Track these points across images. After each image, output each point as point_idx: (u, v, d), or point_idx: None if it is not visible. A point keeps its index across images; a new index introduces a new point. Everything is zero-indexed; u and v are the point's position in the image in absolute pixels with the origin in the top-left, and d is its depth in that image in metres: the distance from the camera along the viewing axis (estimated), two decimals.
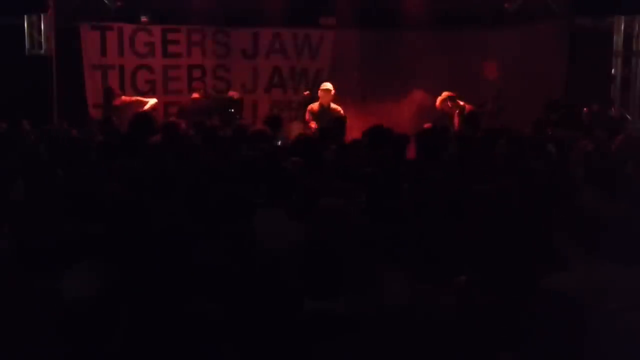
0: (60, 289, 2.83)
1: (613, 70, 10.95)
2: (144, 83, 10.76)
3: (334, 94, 9.16)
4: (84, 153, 5.74)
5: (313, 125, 8.67)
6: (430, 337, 2.61)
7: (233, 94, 10.21)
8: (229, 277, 2.91)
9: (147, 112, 8.27)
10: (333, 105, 9.06)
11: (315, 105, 9.11)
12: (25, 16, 10.20)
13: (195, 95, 9.96)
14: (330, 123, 7.78)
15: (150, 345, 2.54)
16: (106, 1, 10.52)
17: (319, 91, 9.20)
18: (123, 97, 9.41)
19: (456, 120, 8.96)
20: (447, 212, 3.90)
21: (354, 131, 7.99)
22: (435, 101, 9.58)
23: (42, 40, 10.30)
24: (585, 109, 9.35)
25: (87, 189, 4.11)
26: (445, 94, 9.18)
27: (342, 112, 8.86)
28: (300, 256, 2.90)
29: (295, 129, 9.26)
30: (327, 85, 9.24)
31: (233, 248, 3.19)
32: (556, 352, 2.75)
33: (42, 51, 10.30)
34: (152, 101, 9.48)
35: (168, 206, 3.89)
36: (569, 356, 2.72)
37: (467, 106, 9.11)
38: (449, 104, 9.13)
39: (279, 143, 7.22)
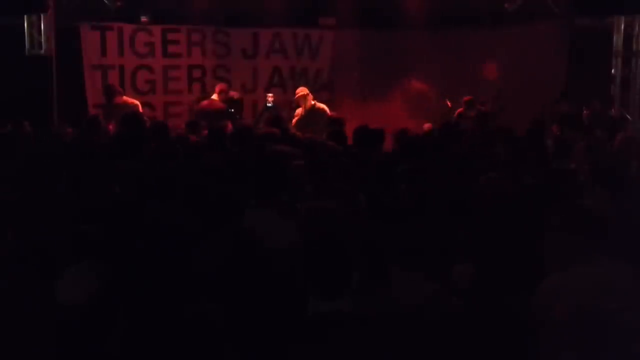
0: (58, 290, 2.83)
1: (613, 70, 10.95)
2: (144, 83, 10.75)
3: (327, 93, 9.22)
4: (84, 154, 5.74)
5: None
6: (437, 337, 2.61)
7: (233, 94, 10.21)
8: (230, 278, 2.91)
9: (135, 113, 8.19)
10: (318, 105, 9.12)
11: (299, 111, 9.18)
12: (25, 16, 10.19)
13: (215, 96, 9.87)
14: (329, 126, 7.75)
15: (149, 346, 2.53)
16: (106, 1, 10.52)
17: (298, 98, 9.22)
18: (124, 97, 9.37)
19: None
20: (449, 211, 3.90)
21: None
22: (435, 100, 9.62)
23: (42, 40, 10.29)
24: (585, 111, 9.36)
25: (87, 190, 4.11)
26: None
27: (327, 110, 8.94)
28: (300, 256, 2.90)
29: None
30: (301, 90, 9.31)
31: (233, 248, 3.19)
32: (556, 351, 2.75)
33: (42, 51, 10.29)
34: None
35: (168, 207, 3.89)
36: (569, 356, 2.72)
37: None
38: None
39: None
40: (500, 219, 3.75)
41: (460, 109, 9.51)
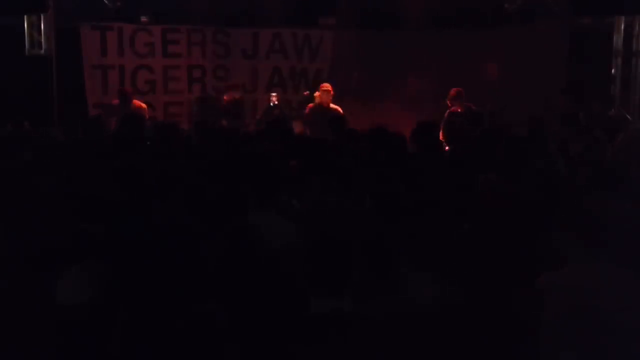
0: (59, 290, 2.83)
1: (613, 70, 10.94)
2: (144, 83, 10.75)
3: (333, 94, 9.24)
4: (84, 153, 5.74)
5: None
6: (438, 336, 2.61)
7: (233, 94, 10.23)
8: (232, 277, 2.90)
9: (134, 113, 8.20)
10: (332, 106, 9.12)
11: (313, 105, 9.18)
12: (25, 16, 10.19)
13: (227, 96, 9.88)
14: (330, 122, 7.78)
15: (150, 346, 2.53)
16: (106, 1, 10.52)
17: (320, 91, 9.24)
18: (135, 101, 9.36)
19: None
20: (449, 211, 3.90)
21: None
22: (435, 100, 9.60)
23: (42, 40, 10.27)
24: (579, 112, 9.35)
25: (87, 189, 4.11)
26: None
27: (341, 112, 8.92)
28: (300, 256, 2.90)
29: (296, 128, 9.30)
30: (327, 86, 9.31)
31: (235, 247, 3.19)
32: (556, 351, 2.75)
33: (42, 51, 10.28)
34: None
35: (169, 206, 3.89)
36: (569, 355, 2.73)
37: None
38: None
39: None
40: (500, 219, 3.75)
41: (452, 108, 9.40)
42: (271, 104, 9.91)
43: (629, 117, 10.56)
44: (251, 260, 3.11)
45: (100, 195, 3.89)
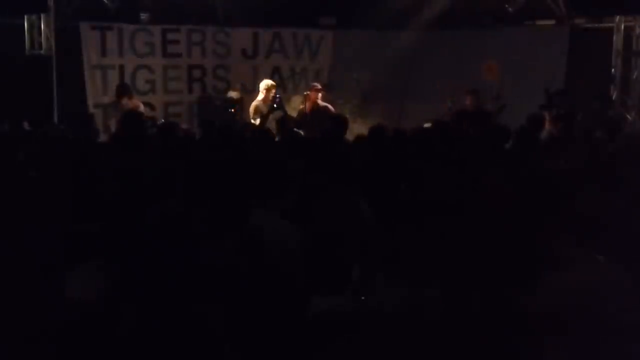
0: (63, 290, 2.83)
1: (613, 70, 10.94)
2: (144, 83, 10.77)
3: (332, 94, 9.30)
4: (83, 152, 5.74)
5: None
6: (437, 336, 2.62)
7: (233, 94, 10.23)
8: (236, 277, 2.90)
9: (135, 111, 8.18)
10: (322, 104, 9.16)
11: (303, 106, 9.24)
12: (25, 16, 10.18)
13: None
14: (329, 123, 7.79)
15: (154, 346, 2.54)
16: (106, 1, 10.52)
17: (311, 91, 9.27)
18: (135, 101, 9.33)
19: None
20: (445, 212, 3.90)
21: (354, 131, 8.00)
22: (435, 100, 9.61)
23: (42, 40, 10.27)
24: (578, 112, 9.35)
25: (89, 188, 4.12)
26: None
27: (332, 109, 9.01)
28: (301, 256, 2.90)
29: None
30: (316, 85, 9.39)
31: (239, 248, 3.19)
32: (556, 351, 2.76)
33: (42, 51, 10.28)
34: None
35: (172, 206, 3.89)
36: (569, 356, 2.73)
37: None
38: None
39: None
40: (498, 219, 3.75)
41: (455, 107, 9.38)
42: (274, 104, 9.89)
43: (628, 117, 10.56)
44: (255, 261, 3.11)
45: (101, 195, 3.90)
